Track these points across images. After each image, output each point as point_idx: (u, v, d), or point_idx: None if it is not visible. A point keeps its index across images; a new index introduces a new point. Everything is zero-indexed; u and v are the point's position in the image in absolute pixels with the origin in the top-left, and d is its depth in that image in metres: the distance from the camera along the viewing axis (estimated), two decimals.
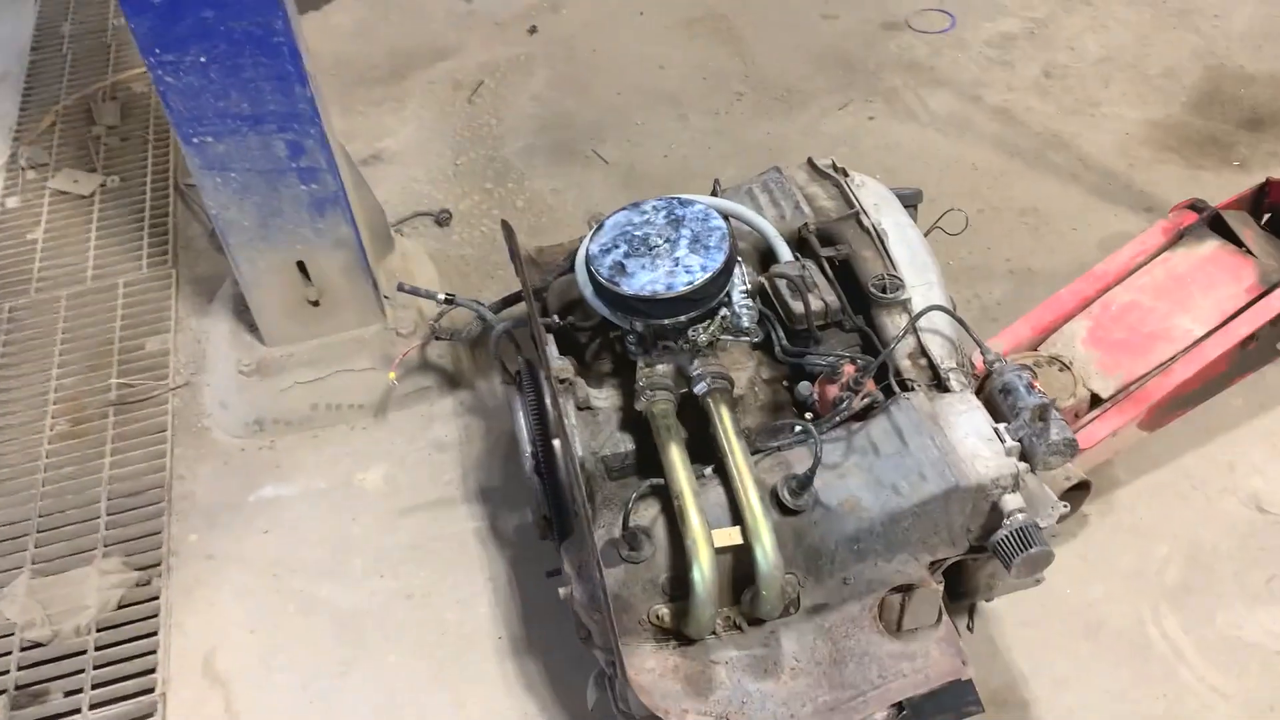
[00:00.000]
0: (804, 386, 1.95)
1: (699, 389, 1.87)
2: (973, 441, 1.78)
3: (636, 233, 1.92)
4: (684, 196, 1.99)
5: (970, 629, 2.13)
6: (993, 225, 2.97)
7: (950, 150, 3.22)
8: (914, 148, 3.24)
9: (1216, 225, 2.57)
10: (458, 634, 2.26)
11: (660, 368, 1.91)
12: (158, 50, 2.11)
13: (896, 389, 1.88)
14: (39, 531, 2.46)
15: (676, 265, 1.85)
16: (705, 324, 1.90)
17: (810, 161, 2.34)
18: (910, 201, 2.31)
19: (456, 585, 2.34)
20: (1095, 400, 2.33)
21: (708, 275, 1.84)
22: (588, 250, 1.93)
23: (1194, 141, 3.18)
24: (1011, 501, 1.74)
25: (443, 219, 3.11)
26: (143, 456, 2.61)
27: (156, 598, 2.35)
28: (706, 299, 1.87)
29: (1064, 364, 2.36)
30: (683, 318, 1.87)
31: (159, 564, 2.40)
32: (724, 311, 1.92)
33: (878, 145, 3.27)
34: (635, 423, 1.92)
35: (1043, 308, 2.46)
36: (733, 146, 3.31)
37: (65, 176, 3.33)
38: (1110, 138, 3.22)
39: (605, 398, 1.98)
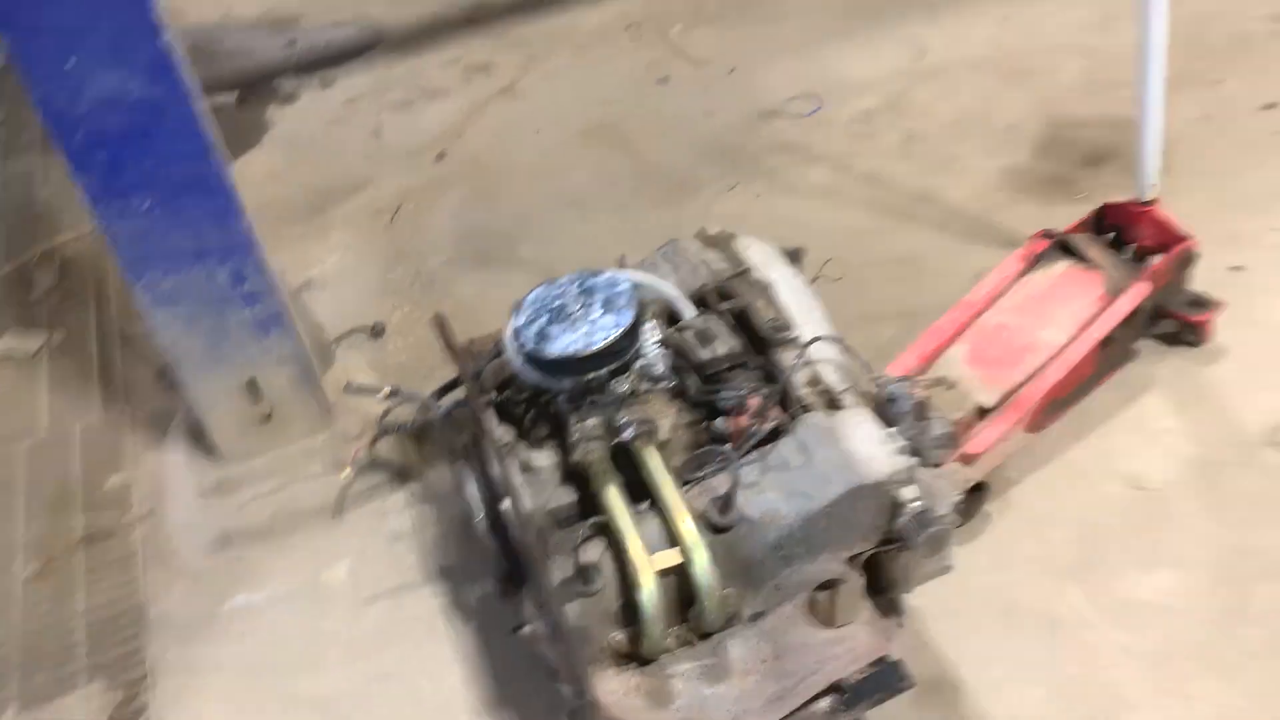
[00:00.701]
0: (720, 422, 2.18)
1: (627, 435, 2.09)
2: (868, 446, 2.02)
3: (554, 304, 2.16)
4: (592, 269, 2.26)
5: (899, 625, 2.35)
6: (876, 275, 3.27)
7: (830, 216, 3.55)
8: (798, 218, 3.56)
9: (1066, 248, 2.91)
10: (433, 701, 2.40)
11: (590, 421, 2.12)
12: (105, 200, 2.34)
13: (799, 413, 2.14)
14: (22, 667, 2.57)
15: (593, 325, 2.10)
16: (625, 374, 2.14)
17: (702, 232, 2.63)
18: (794, 258, 2.61)
19: (427, 659, 2.48)
20: (983, 412, 2.61)
21: (621, 329, 2.08)
22: (513, 326, 2.18)
23: (1042, 181, 3.55)
24: (909, 492, 1.98)
25: (377, 330, 3.33)
26: (116, 585, 2.73)
27: (143, 712, 2.46)
28: (623, 351, 2.10)
29: (950, 383, 2.63)
30: (604, 370, 2.10)
31: (143, 679, 2.51)
32: (640, 362, 2.17)
33: (766, 220, 3.58)
34: (574, 477, 2.13)
35: (925, 337, 2.71)
36: (635, 235, 3.57)
37: (10, 338, 3.50)
38: (970, 188, 3.57)
39: (544, 458, 2.19)
